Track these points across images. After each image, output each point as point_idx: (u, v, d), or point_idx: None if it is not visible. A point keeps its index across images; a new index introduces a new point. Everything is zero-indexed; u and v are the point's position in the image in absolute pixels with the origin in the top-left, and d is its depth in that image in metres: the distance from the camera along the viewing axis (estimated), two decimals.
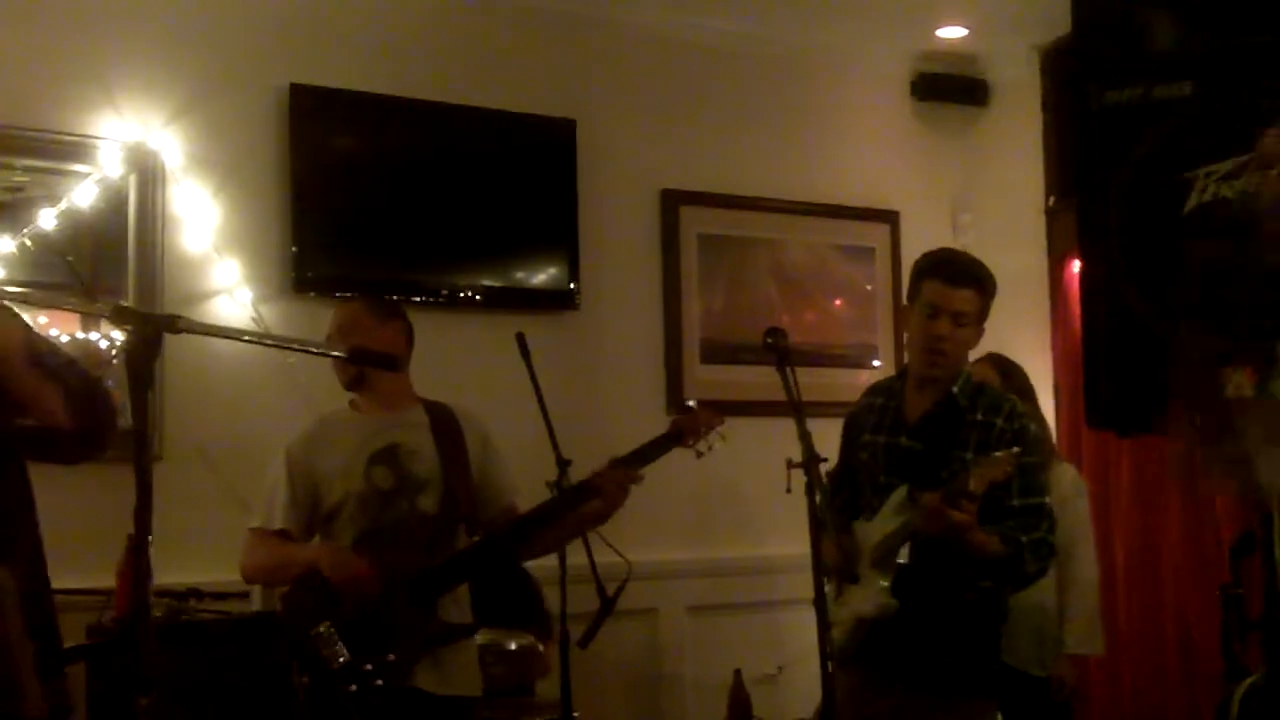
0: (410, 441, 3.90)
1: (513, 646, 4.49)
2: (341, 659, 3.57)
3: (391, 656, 3.60)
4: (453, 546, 3.89)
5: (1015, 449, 3.64)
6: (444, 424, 3.97)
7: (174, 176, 4.96)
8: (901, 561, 3.74)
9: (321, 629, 3.58)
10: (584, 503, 3.90)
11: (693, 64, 6.05)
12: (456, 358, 5.17)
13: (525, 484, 4.02)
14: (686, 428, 4.15)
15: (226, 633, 4.32)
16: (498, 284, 5.54)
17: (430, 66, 5.48)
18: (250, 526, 3.92)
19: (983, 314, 3.89)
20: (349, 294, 4.73)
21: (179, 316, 2.35)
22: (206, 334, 2.47)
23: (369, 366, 2.49)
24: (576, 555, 3.94)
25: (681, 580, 5.67)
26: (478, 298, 5.48)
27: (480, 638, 4.38)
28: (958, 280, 3.86)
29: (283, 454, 3.91)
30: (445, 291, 5.43)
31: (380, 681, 3.57)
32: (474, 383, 5.07)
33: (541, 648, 4.59)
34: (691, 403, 4.18)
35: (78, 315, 4.55)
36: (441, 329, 5.28)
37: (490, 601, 4.54)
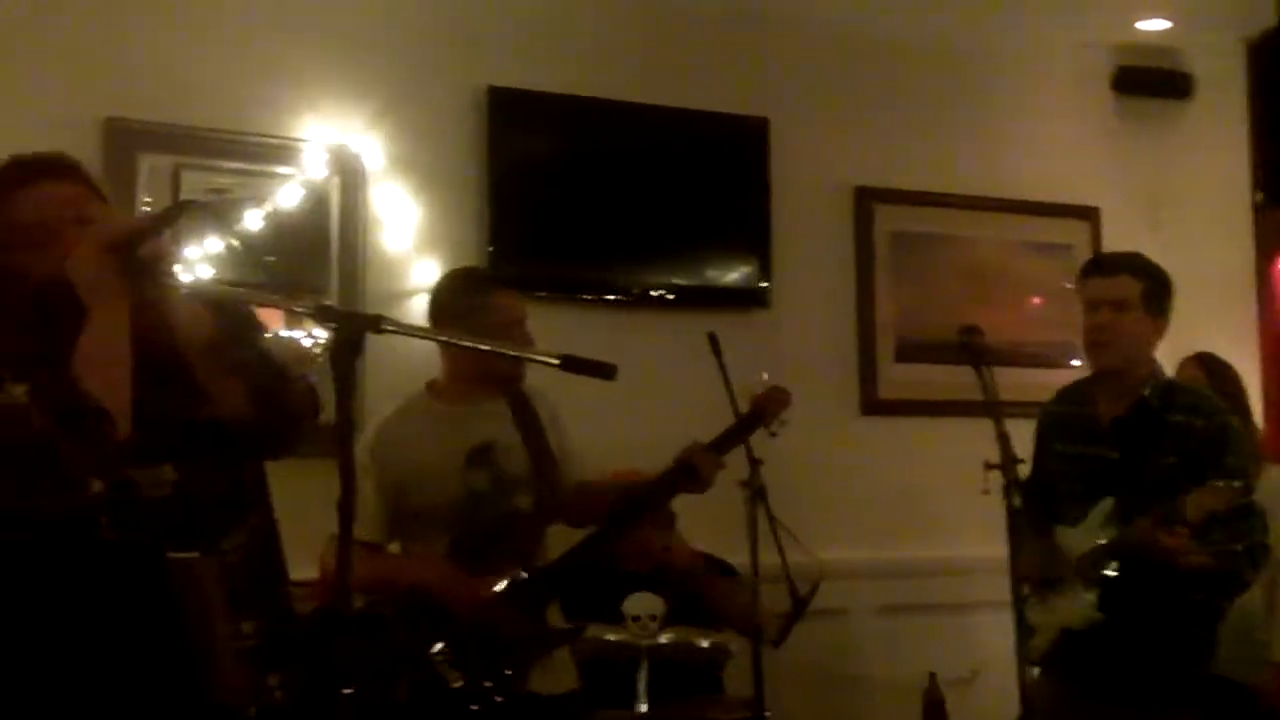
0: (502, 438, 3.76)
1: (704, 644, 4.49)
2: (460, 681, 3.47)
3: (509, 671, 3.51)
4: (544, 544, 3.80)
5: (1237, 483, 3.53)
6: (523, 409, 3.83)
7: (375, 178, 5.07)
8: (1110, 574, 3.65)
9: (438, 649, 3.49)
10: (683, 487, 3.80)
11: (887, 60, 6.00)
12: (647, 356, 5.19)
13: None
14: (768, 409, 3.99)
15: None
16: (689, 282, 5.56)
17: (625, 67, 5.52)
18: (336, 534, 3.74)
19: (1149, 301, 3.78)
20: (543, 293, 4.77)
21: (383, 316, 2.39)
22: (409, 335, 2.50)
23: (583, 375, 2.45)
24: (767, 554, 3.94)
25: (873, 580, 5.62)
26: (670, 296, 5.49)
27: (669, 635, 4.38)
28: (1109, 269, 3.82)
29: (365, 455, 3.67)
30: (637, 290, 5.46)
31: (501, 698, 3.48)
32: (664, 381, 5.10)
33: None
34: (765, 375, 4.03)
35: (282, 314, 4.65)
36: (633, 328, 5.32)
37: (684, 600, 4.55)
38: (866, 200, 5.93)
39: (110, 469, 2.45)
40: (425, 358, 3.83)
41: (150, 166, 4.75)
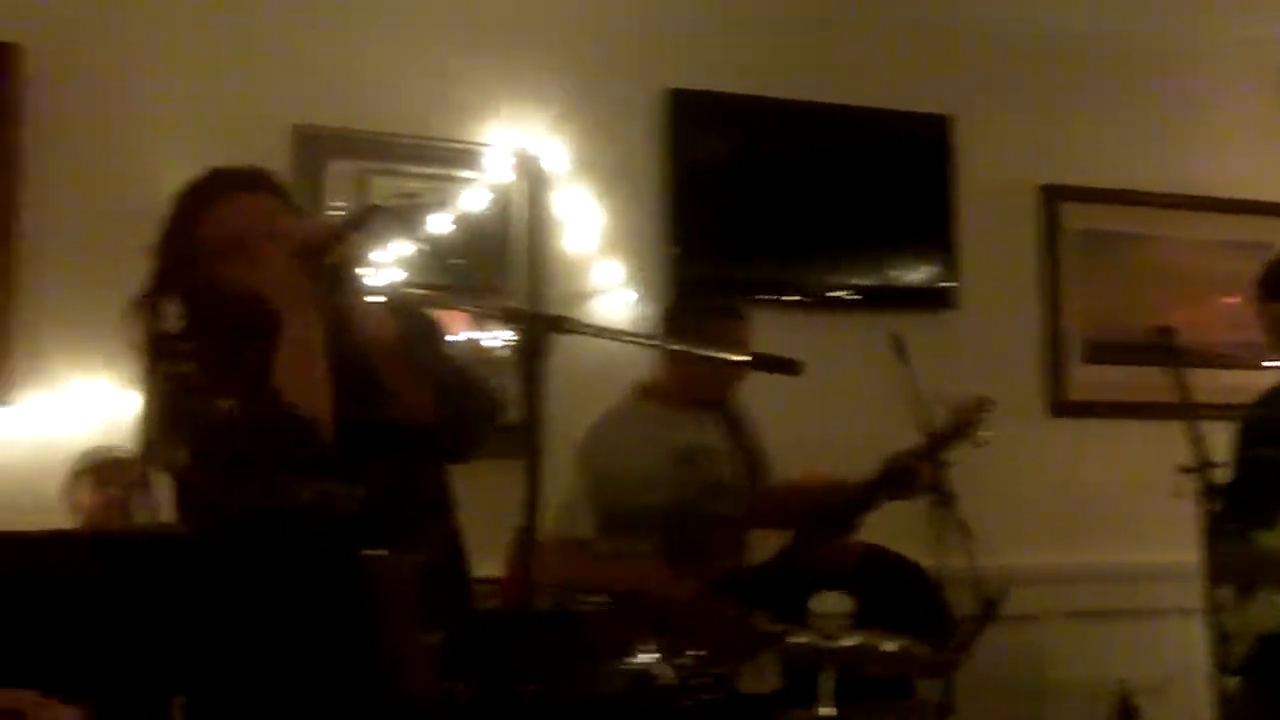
0: (710, 442, 3.83)
1: (891, 648, 4.43)
2: (670, 677, 3.51)
3: (721, 670, 3.54)
4: (746, 546, 3.83)
5: None
6: (731, 416, 3.90)
7: (559, 181, 5.10)
8: None
9: (650, 647, 3.50)
10: (892, 494, 3.80)
11: (1073, 56, 5.88)
12: (830, 357, 5.15)
13: None
14: (972, 419, 3.98)
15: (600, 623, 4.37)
16: (873, 283, 5.51)
17: (806, 67, 5.48)
18: (548, 531, 3.70)
19: None
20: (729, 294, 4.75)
21: (567, 317, 2.41)
22: (593, 335, 2.51)
23: (772, 373, 2.45)
24: (954, 558, 3.89)
25: (1062, 585, 5.51)
26: (854, 297, 5.45)
27: (855, 639, 4.34)
28: None
29: (580, 455, 3.78)
30: (821, 291, 5.43)
31: (709, 696, 3.49)
32: (848, 383, 5.05)
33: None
34: (955, 387, 4.00)
35: (468, 316, 4.72)
36: (816, 328, 5.28)
37: (881, 602, 4.51)
38: (1053, 198, 5.82)
39: (318, 475, 2.51)
40: (610, 358, 3.85)
41: (338, 172, 4.84)
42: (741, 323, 3.96)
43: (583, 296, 5.09)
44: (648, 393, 3.92)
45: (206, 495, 2.54)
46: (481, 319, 4.67)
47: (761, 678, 3.67)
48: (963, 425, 3.93)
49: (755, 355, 2.56)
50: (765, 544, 3.95)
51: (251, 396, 2.47)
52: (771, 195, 5.39)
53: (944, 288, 5.58)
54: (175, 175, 2.81)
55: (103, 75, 4.68)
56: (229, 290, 2.59)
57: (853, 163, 5.51)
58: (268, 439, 2.44)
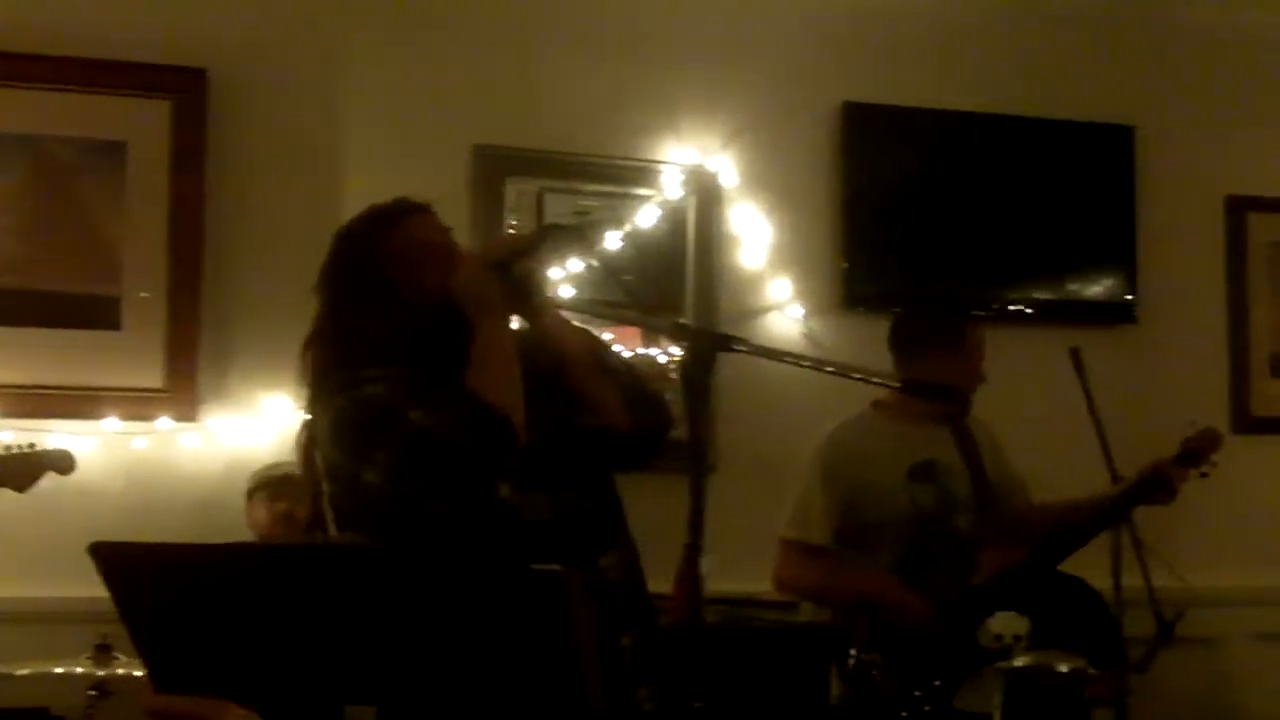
0: (944, 457, 3.86)
1: (1063, 669, 4.36)
2: (891, 686, 3.56)
3: (938, 682, 3.58)
4: (976, 563, 3.86)
5: None
6: (963, 434, 3.91)
7: (731, 197, 5.11)
8: None
9: (875, 657, 3.58)
10: (1150, 499, 3.79)
11: (1257, 63, 5.72)
12: (1006, 372, 5.08)
13: None
14: (1202, 449, 4.01)
15: (778, 641, 4.37)
16: (1050, 297, 5.43)
17: (980, 78, 5.41)
18: (785, 537, 3.92)
19: None
20: (899, 310, 4.70)
21: (734, 336, 2.41)
22: (759, 355, 2.51)
23: (926, 399, 2.44)
24: (1132, 576, 3.83)
25: (1247, 608, 5.38)
26: (1029, 311, 5.38)
27: (1026, 659, 4.28)
28: None
29: (817, 463, 3.89)
30: (996, 305, 5.35)
31: (929, 708, 3.56)
32: (1023, 397, 4.98)
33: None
34: (1195, 419, 4.01)
35: (638, 332, 4.75)
36: (991, 343, 5.20)
37: (1051, 621, 4.45)
38: (1240, 209, 5.67)
39: (514, 473, 2.56)
40: (777, 376, 3.86)
41: (516, 191, 4.93)
42: (978, 326, 4.10)
43: (752, 313, 5.10)
44: (882, 407, 3.98)
45: (401, 510, 2.58)
46: (651, 335, 4.71)
47: (983, 697, 3.69)
48: (1204, 450, 3.94)
49: (910, 382, 2.54)
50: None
51: (446, 401, 2.52)
52: (946, 209, 5.34)
53: (1124, 301, 5.48)
54: (357, 196, 2.88)
55: (286, 101, 4.81)
56: (422, 300, 2.66)
57: (1030, 175, 5.44)
58: (464, 437, 2.49)
